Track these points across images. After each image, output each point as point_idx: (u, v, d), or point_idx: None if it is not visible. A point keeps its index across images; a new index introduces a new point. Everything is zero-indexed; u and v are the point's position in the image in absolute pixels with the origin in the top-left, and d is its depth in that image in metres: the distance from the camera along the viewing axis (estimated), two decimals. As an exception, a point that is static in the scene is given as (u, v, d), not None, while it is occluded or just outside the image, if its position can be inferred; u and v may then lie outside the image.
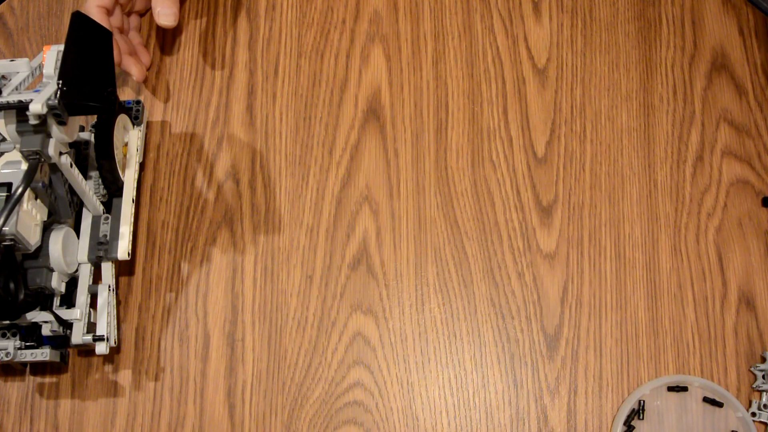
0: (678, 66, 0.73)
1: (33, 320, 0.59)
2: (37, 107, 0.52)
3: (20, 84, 0.58)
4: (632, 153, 0.70)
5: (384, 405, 0.62)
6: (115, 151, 0.63)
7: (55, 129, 0.54)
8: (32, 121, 0.53)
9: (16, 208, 0.52)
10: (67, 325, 0.60)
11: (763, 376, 0.62)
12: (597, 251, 0.67)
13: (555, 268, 0.66)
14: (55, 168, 0.57)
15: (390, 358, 0.64)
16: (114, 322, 0.62)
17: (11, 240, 0.53)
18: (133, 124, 0.68)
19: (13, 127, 0.54)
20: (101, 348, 0.60)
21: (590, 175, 0.69)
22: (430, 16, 0.75)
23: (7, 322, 0.59)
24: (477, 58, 0.73)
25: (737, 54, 0.73)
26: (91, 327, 0.61)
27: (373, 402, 0.62)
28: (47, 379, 0.64)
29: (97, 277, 0.63)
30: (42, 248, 0.58)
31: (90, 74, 0.57)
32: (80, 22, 0.56)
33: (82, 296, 0.61)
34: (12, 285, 0.53)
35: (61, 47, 0.56)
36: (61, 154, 0.56)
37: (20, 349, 0.59)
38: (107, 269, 0.63)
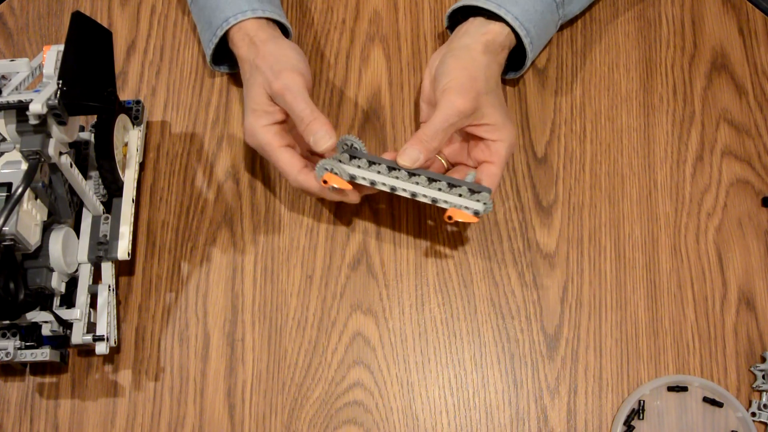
0: (678, 66, 0.73)
1: (33, 320, 0.59)
2: (37, 107, 0.52)
3: (20, 84, 0.58)
4: (632, 153, 0.70)
5: (384, 405, 0.62)
6: (115, 151, 0.63)
7: (55, 129, 0.54)
8: (32, 121, 0.53)
9: (16, 208, 0.52)
10: (67, 325, 0.60)
11: (763, 376, 0.62)
12: (597, 251, 0.67)
13: (555, 268, 0.66)
14: (55, 168, 0.57)
15: (390, 358, 0.64)
16: (114, 322, 0.62)
17: (11, 240, 0.53)
18: (133, 124, 0.68)
19: (13, 127, 0.54)
20: (101, 348, 0.60)
21: (590, 175, 0.69)
22: (430, 16, 0.75)
23: (7, 322, 0.59)
24: (477, 58, 0.73)
25: (737, 54, 0.73)
26: (91, 327, 0.61)
27: (373, 402, 0.62)
28: (47, 379, 0.64)
29: (97, 277, 0.63)
30: (42, 248, 0.58)
31: (90, 74, 0.57)
32: (80, 22, 0.56)
33: (82, 296, 0.61)
34: (12, 285, 0.53)
35: (61, 47, 0.56)
36: (61, 154, 0.56)
37: (20, 349, 0.59)
38: (107, 269, 0.63)
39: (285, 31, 0.69)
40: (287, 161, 0.61)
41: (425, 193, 0.58)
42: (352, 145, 0.60)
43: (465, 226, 0.67)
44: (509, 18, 0.63)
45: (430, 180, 0.59)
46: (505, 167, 0.62)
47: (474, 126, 0.61)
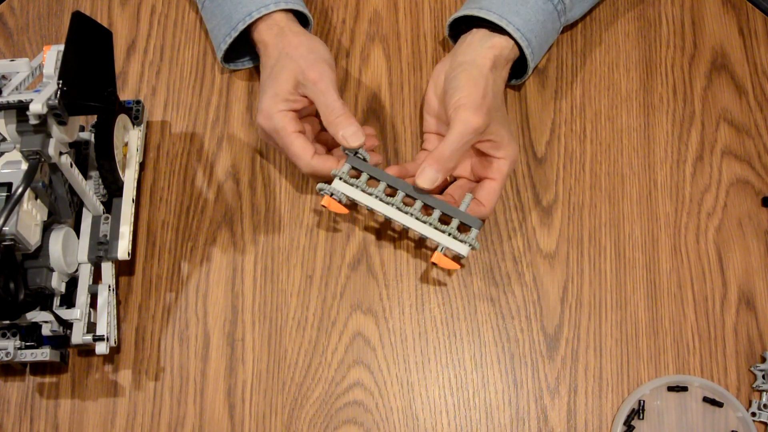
0: (678, 66, 0.73)
1: (33, 320, 0.59)
2: (37, 107, 0.52)
3: (20, 84, 0.58)
4: (632, 153, 0.70)
5: (384, 405, 0.62)
6: (115, 151, 0.63)
7: (55, 129, 0.54)
8: (32, 121, 0.53)
9: (16, 208, 0.52)
10: (67, 325, 0.60)
11: (763, 376, 0.62)
12: (597, 251, 0.67)
13: (555, 268, 0.66)
14: (55, 168, 0.57)
15: (390, 358, 0.64)
16: (114, 322, 0.62)
17: (11, 240, 0.53)
18: (133, 124, 0.68)
19: (13, 127, 0.54)
20: (101, 348, 0.60)
21: (590, 175, 0.69)
22: (430, 16, 0.75)
23: (7, 322, 0.59)
24: (477, 58, 0.73)
25: (737, 54, 0.73)
26: (91, 327, 0.61)
27: (373, 402, 0.62)
28: (47, 379, 0.64)
29: (97, 277, 0.63)
30: (42, 248, 0.58)
31: (90, 74, 0.57)
32: (80, 22, 0.56)
33: (82, 296, 0.61)
34: (12, 285, 0.53)
35: (61, 47, 0.56)
36: (61, 154, 0.56)
37: (20, 349, 0.59)
38: (107, 269, 0.63)
39: (305, 21, 0.69)
40: (301, 146, 0.62)
41: (416, 228, 0.61)
42: (356, 153, 0.61)
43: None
44: (511, 29, 0.62)
45: (426, 207, 0.61)
46: (505, 184, 0.62)
47: (479, 142, 0.62)
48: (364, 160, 0.62)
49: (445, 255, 0.61)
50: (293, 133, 0.62)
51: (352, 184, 0.61)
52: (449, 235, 0.60)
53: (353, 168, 0.62)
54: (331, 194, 0.61)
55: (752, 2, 0.75)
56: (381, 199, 0.61)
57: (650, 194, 0.68)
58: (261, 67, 0.67)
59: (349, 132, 0.60)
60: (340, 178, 0.61)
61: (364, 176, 0.62)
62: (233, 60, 0.72)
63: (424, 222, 0.61)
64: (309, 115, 0.67)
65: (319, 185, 0.61)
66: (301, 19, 0.69)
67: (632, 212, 0.68)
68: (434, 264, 0.61)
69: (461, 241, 0.60)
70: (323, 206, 0.62)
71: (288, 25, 0.65)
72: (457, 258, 0.64)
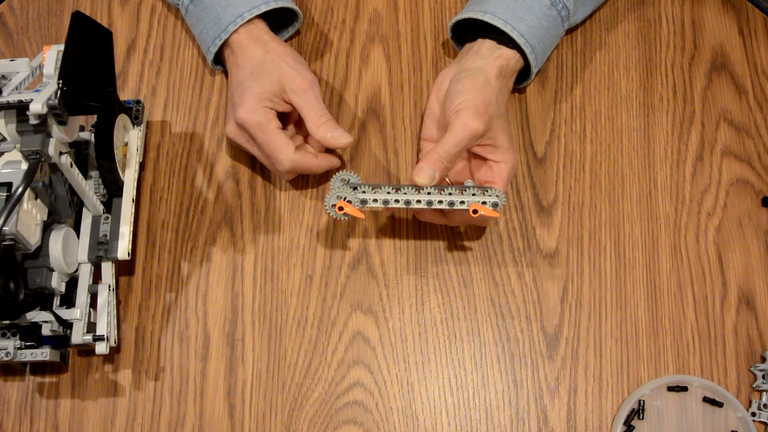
0: (678, 66, 0.73)
1: (33, 320, 0.59)
2: (37, 107, 0.52)
3: (20, 84, 0.58)
4: (632, 153, 0.70)
5: (384, 405, 0.62)
6: (115, 151, 0.63)
7: (55, 129, 0.54)
8: (32, 121, 0.53)
9: (16, 208, 0.52)
10: (67, 324, 0.60)
11: (763, 376, 0.62)
12: (597, 251, 0.67)
13: (555, 268, 0.66)
14: (55, 168, 0.57)
15: (390, 358, 0.64)
16: (114, 322, 0.62)
17: (11, 240, 0.53)
18: (133, 124, 0.68)
19: (13, 126, 0.54)
20: (101, 348, 0.60)
21: (590, 175, 0.69)
22: (430, 16, 0.75)
23: (7, 322, 0.59)
24: (477, 58, 0.73)
25: (737, 54, 0.73)
26: (91, 327, 0.61)
27: (373, 402, 0.62)
28: (47, 379, 0.64)
29: (97, 276, 0.63)
30: (42, 248, 0.58)
31: (90, 74, 0.57)
32: (80, 22, 0.56)
33: (82, 296, 0.61)
34: (12, 285, 0.53)
35: (61, 47, 0.56)
36: (61, 153, 0.56)
37: (20, 349, 0.59)
38: (107, 269, 0.63)
39: (296, 16, 0.71)
40: (284, 140, 0.63)
41: (441, 199, 0.59)
42: (349, 180, 0.61)
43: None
44: (515, 35, 0.63)
45: (439, 190, 0.60)
46: (506, 188, 0.62)
47: (480, 146, 0.62)
48: (355, 187, 0.60)
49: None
50: (277, 128, 0.63)
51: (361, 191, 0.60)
52: (474, 195, 0.59)
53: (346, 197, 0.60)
54: (345, 198, 0.60)
55: (752, 2, 0.75)
56: (395, 191, 0.60)
57: (650, 194, 0.68)
58: (235, 67, 0.66)
59: (338, 132, 0.62)
60: (345, 188, 0.60)
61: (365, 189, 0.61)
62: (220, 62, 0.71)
63: (443, 193, 0.59)
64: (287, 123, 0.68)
65: (332, 191, 0.60)
66: (287, 18, 0.70)
67: (632, 212, 0.68)
68: (474, 213, 0.58)
69: (487, 198, 0.59)
70: (340, 209, 0.59)
71: (269, 34, 0.66)
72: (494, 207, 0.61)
